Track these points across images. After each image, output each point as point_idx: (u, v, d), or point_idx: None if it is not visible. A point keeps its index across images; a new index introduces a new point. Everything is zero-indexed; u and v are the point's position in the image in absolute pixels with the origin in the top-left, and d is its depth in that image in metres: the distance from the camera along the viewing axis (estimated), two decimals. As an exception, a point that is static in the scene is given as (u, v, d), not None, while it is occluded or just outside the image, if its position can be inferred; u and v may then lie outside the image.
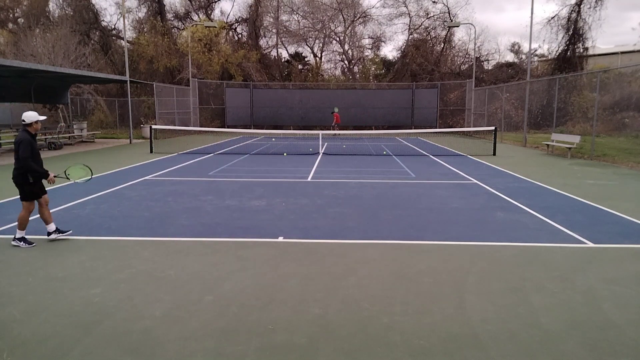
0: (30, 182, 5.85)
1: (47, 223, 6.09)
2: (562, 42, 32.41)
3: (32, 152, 5.76)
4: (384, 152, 18.14)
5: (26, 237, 5.92)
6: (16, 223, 5.99)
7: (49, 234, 6.09)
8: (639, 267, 5.26)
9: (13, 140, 6.02)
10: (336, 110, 27.82)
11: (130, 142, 22.66)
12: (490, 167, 13.75)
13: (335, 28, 41.23)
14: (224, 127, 30.61)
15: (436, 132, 28.43)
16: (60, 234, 6.11)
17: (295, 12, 41.15)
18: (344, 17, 40.64)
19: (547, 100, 22.96)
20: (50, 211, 7.71)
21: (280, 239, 6.27)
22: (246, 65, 36.03)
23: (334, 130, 26.62)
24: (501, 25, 63.99)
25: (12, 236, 6.00)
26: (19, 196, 5.97)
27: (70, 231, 6.23)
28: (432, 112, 32.07)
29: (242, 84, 34.48)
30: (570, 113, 23.17)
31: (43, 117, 6.03)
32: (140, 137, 25.30)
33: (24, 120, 5.84)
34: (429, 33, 38.24)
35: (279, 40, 41.33)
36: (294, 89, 34.31)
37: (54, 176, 5.99)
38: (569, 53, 32.12)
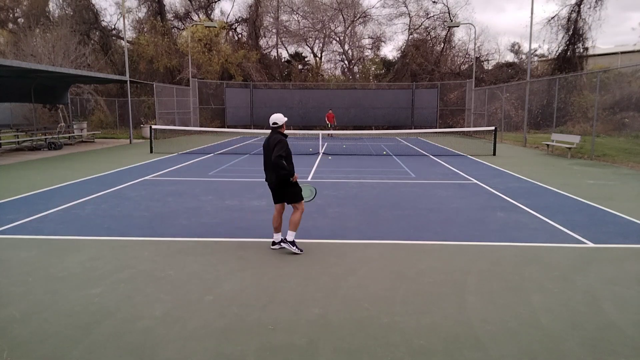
0: (293, 183, 5.64)
1: (277, 231, 5.81)
2: (562, 42, 32.43)
3: (288, 151, 5.56)
4: (384, 152, 18.14)
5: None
6: (270, 225, 5.91)
7: (274, 243, 5.83)
8: (639, 267, 5.26)
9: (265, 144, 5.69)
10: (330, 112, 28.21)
11: (130, 142, 22.65)
12: (490, 167, 13.74)
13: (335, 28, 41.27)
14: (224, 127, 30.61)
15: (436, 132, 28.43)
16: (290, 246, 5.65)
17: (295, 12, 41.18)
18: (344, 17, 40.66)
19: (547, 100, 22.97)
20: (50, 211, 7.75)
21: (280, 239, 6.26)
22: (246, 65, 36.03)
23: (329, 129, 26.71)
24: (501, 25, 64.05)
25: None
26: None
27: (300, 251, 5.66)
28: (432, 112, 32.06)
29: (242, 84, 34.49)
30: (570, 113, 23.17)
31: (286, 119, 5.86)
32: (140, 137, 25.29)
33: (275, 123, 5.67)
34: (429, 33, 38.24)
35: (279, 40, 41.36)
36: (294, 89, 34.30)
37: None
38: (569, 53, 32.12)
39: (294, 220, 5.62)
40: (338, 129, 29.04)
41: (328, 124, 27.75)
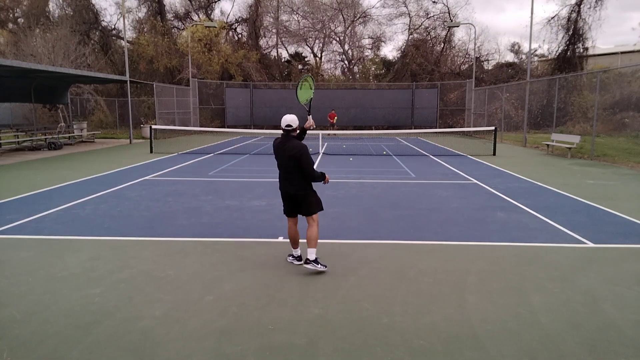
0: (313, 191, 5.11)
1: (296, 245, 5.28)
2: (562, 42, 32.46)
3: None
4: (384, 152, 18.14)
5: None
6: (286, 240, 5.11)
7: (299, 258, 5.23)
8: (639, 267, 5.26)
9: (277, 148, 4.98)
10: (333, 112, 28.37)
11: (130, 142, 22.65)
12: (490, 167, 13.74)
13: (335, 28, 41.29)
14: (224, 127, 30.62)
15: (436, 132, 28.43)
16: (314, 265, 4.98)
17: (295, 12, 41.20)
18: (344, 17, 40.67)
19: (547, 100, 22.97)
20: (50, 211, 7.75)
21: (280, 239, 6.26)
22: (246, 65, 36.03)
23: (332, 129, 26.88)
24: (501, 25, 64.08)
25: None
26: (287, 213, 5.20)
27: (325, 268, 5.04)
28: (432, 112, 32.06)
29: (242, 84, 34.49)
30: (570, 113, 23.17)
31: None
32: (140, 137, 25.29)
33: (290, 125, 5.00)
34: (429, 33, 38.25)
35: (279, 40, 41.38)
36: (294, 89, 34.27)
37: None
38: (569, 53, 32.14)
39: (313, 236, 4.98)
40: (337, 129, 29.12)
41: (332, 124, 28.00)
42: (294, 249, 5.27)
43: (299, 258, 5.25)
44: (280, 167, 5.10)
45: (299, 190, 5.00)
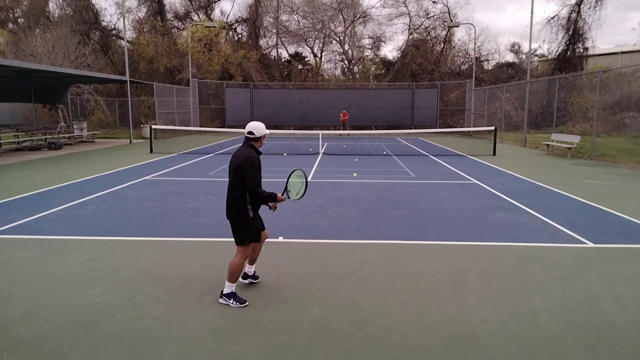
0: (251, 217, 4.29)
1: (251, 263, 4.70)
2: (562, 42, 32.45)
3: (260, 174, 4.23)
4: (384, 152, 18.14)
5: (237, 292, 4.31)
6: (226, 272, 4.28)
7: (245, 276, 4.67)
8: (639, 267, 5.26)
9: (238, 160, 4.17)
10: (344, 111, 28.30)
11: (130, 142, 22.65)
12: (490, 167, 13.74)
13: (335, 28, 41.29)
14: (224, 127, 30.62)
15: (436, 132, 28.43)
16: (226, 300, 4.23)
17: (295, 12, 41.20)
18: (344, 17, 40.68)
19: (547, 100, 22.97)
20: (50, 211, 7.74)
21: (280, 239, 6.26)
22: (246, 65, 36.03)
23: (344, 130, 26.86)
24: (501, 25, 64.06)
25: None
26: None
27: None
28: (432, 112, 32.05)
29: (242, 84, 34.48)
30: (570, 113, 23.15)
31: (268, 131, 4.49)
32: (140, 137, 25.28)
33: (252, 133, 4.27)
34: (429, 33, 38.25)
35: (279, 40, 41.37)
36: (294, 89, 34.31)
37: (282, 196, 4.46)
38: (569, 53, 32.13)
39: (231, 268, 4.20)
40: (336, 129, 29.16)
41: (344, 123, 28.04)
42: (249, 265, 4.67)
43: (254, 276, 4.72)
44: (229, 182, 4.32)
45: (233, 216, 4.25)
